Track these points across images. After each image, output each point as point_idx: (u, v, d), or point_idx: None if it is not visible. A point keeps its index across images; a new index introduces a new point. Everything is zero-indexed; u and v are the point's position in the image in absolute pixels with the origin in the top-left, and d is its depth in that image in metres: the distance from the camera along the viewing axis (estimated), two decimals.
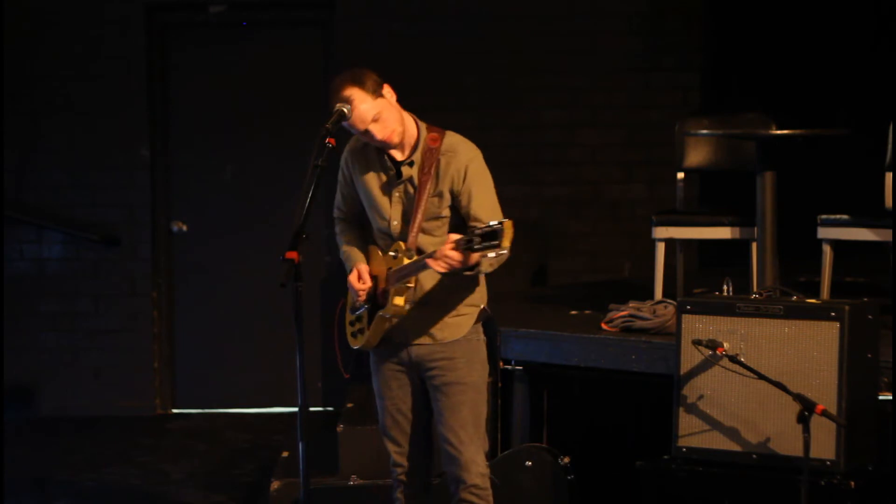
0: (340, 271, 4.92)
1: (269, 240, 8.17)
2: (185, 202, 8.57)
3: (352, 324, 4.78)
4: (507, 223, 4.16)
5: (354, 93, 4.49)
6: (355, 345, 4.76)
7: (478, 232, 4.22)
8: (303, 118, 8.13)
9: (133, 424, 8.19)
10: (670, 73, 8.33)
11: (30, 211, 8.37)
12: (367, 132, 4.53)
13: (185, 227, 8.54)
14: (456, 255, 4.30)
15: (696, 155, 6.62)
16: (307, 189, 4.41)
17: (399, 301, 4.56)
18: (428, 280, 4.62)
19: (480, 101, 8.30)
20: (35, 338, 8.44)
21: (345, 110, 4.52)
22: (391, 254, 4.63)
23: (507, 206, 4.83)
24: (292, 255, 4.20)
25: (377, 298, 4.67)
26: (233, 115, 8.48)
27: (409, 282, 4.56)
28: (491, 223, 4.20)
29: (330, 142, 4.45)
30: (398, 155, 4.64)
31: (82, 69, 8.35)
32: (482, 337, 4.78)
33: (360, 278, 4.68)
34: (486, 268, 4.49)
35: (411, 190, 4.63)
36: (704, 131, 6.37)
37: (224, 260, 8.55)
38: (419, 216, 4.59)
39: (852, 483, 4.51)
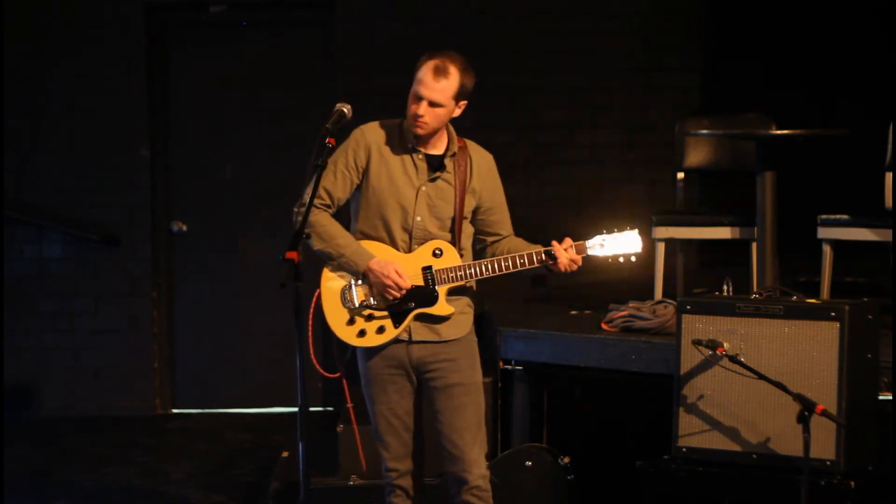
0: None
1: (269, 240, 8.18)
2: (185, 202, 8.56)
3: (351, 321, 4.68)
4: (635, 228, 4.59)
5: (453, 70, 4.72)
6: (370, 342, 4.67)
7: (609, 238, 4.59)
8: (303, 118, 8.13)
9: (133, 424, 8.18)
10: (670, 73, 8.33)
11: (30, 211, 8.36)
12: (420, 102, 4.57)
13: (185, 227, 8.54)
14: (579, 260, 4.59)
15: (696, 155, 6.63)
16: (307, 189, 4.41)
17: (446, 300, 4.63)
18: None
19: (480, 101, 8.26)
20: (35, 338, 8.43)
21: (345, 110, 4.51)
22: (434, 251, 4.61)
23: (508, 205, 4.84)
24: (292, 255, 4.19)
25: (410, 296, 4.62)
26: (233, 115, 8.48)
27: (464, 282, 4.62)
28: (621, 232, 4.59)
29: (330, 142, 4.45)
30: (430, 149, 4.67)
31: (82, 69, 8.34)
32: (476, 338, 4.81)
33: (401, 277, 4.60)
34: None
35: (445, 185, 4.64)
36: (704, 131, 6.37)
37: (224, 260, 8.54)
38: (461, 213, 4.63)
39: (852, 483, 4.51)
